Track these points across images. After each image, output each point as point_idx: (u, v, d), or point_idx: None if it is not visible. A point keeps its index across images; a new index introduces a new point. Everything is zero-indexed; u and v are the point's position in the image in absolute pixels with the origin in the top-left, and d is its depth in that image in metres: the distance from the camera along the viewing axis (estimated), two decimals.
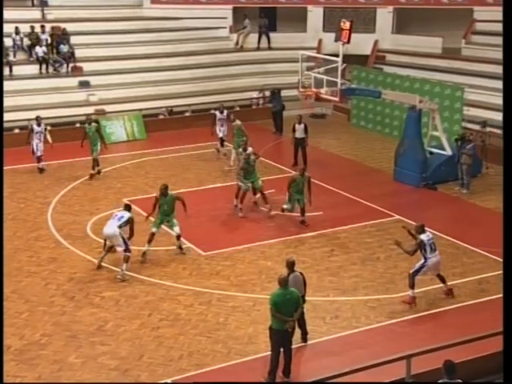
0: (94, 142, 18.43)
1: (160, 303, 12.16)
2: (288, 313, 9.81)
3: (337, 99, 18.25)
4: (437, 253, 12.25)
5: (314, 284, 12.67)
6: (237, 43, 27.66)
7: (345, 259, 13.74)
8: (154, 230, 13.80)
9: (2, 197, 16.30)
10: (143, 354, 10.67)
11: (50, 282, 12.93)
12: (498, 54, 23.54)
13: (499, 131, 20.31)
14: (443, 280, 12.48)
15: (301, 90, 18.87)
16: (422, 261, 12.13)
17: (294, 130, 19.24)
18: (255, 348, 10.83)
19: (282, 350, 9.96)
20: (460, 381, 8.03)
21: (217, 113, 20.25)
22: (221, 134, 20.19)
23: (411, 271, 12.20)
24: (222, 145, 20.29)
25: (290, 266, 10.55)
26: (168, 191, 13.81)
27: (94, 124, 18.73)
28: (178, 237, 13.97)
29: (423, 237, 12.11)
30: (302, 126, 19.16)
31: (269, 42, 27.70)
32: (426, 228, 11.87)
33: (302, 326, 10.93)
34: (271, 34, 27.77)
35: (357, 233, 14.91)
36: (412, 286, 12.16)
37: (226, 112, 20.20)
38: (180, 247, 14.05)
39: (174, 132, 22.05)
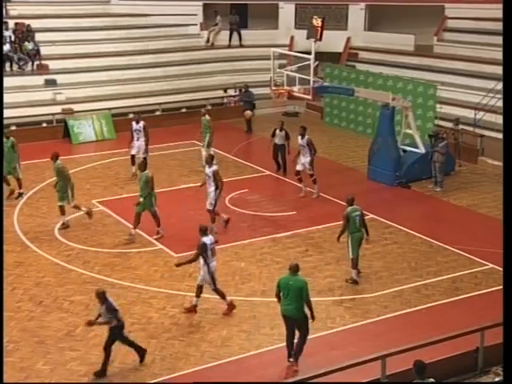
0: (10, 158, 16.39)
1: (131, 307, 11.89)
2: (287, 298, 10.07)
3: (309, 97, 18.04)
4: (215, 258, 11.54)
5: None
6: (208, 40, 27.36)
7: (319, 259, 13.60)
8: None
9: (1, 197, 15.89)
10: (114, 360, 10.38)
11: (16, 286, 12.55)
12: (470, 52, 23.73)
13: (471, 129, 20.42)
14: (223, 295, 11.61)
15: (273, 88, 18.61)
16: (204, 266, 11.41)
17: (273, 135, 18.82)
18: (229, 351, 10.66)
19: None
20: (432, 380, 8.04)
21: (133, 123, 17.96)
22: (133, 151, 17.83)
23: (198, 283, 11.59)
24: (133, 162, 17.74)
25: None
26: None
27: (11, 139, 16.50)
28: None
29: (206, 240, 11.40)
30: (283, 133, 18.46)
31: (240, 40, 27.44)
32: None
33: None
34: (242, 31, 27.51)
35: (331, 232, 14.71)
36: (198, 295, 11.60)
37: (142, 123, 17.79)
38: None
39: None
